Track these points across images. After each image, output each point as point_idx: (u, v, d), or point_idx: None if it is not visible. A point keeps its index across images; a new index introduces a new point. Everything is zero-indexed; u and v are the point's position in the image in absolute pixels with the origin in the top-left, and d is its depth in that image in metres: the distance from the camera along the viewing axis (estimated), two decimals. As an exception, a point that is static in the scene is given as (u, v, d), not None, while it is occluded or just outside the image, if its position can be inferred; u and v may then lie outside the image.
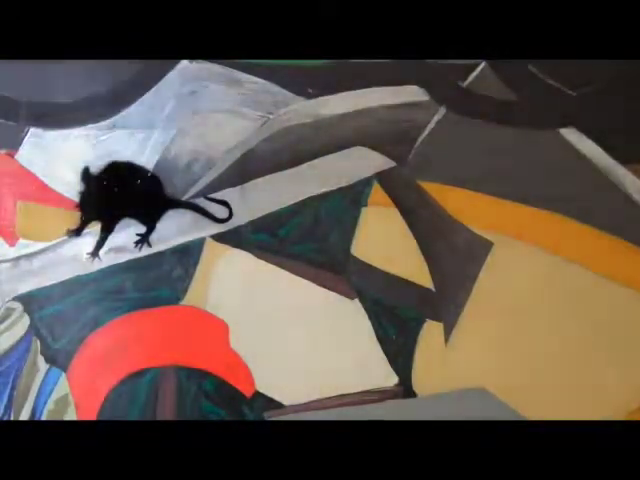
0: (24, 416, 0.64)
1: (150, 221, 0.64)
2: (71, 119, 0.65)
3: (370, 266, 0.59)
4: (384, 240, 0.59)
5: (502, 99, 0.54)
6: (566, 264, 0.54)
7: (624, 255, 0.53)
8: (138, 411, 0.63)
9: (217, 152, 0.62)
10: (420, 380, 0.59)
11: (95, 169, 0.65)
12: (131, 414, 0.63)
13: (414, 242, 0.58)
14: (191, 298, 0.65)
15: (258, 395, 0.63)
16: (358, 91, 0.58)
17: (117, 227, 0.65)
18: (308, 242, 0.61)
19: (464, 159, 0.56)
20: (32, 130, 0.66)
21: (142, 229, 0.64)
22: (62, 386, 0.64)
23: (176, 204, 0.63)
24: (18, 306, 0.69)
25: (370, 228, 0.59)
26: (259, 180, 0.61)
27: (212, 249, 0.63)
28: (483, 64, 0.54)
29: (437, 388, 0.59)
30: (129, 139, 0.64)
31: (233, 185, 0.62)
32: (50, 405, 0.63)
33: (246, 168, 0.61)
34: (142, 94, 0.63)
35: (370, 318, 0.60)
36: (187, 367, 0.65)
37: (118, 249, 0.64)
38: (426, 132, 0.57)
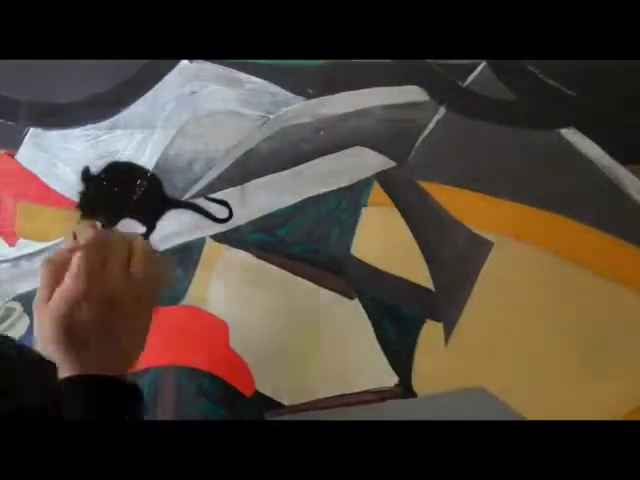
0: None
1: (150, 221, 0.64)
2: (71, 119, 0.65)
3: (370, 266, 0.59)
4: (384, 240, 0.59)
5: (502, 99, 0.54)
6: (566, 264, 0.54)
7: (624, 255, 0.53)
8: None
9: (217, 152, 0.62)
10: (420, 380, 0.59)
11: (95, 169, 0.65)
12: (131, 414, 0.62)
13: (414, 242, 0.58)
14: (191, 298, 0.65)
15: (258, 395, 0.63)
16: (358, 91, 0.58)
17: (117, 227, 0.65)
18: (308, 242, 0.61)
19: (464, 159, 0.56)
20: (32, 130, 0.66)
21: (142, 229, 0.64)
22: (62, 386, 0.64)
23: (176, 204, 0.63)
24: (18, 306, 0.69)
25: (370, 228, 0.59)
26: (259, 180, 0.61)
27: (212, 249, 0.64)
28: (483, 64, 0.54)
29: (437, 388, 0.59)
30: (129, 139, 0.64)
31: (233, 185, 0.62)
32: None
33: (246, 168, 0.61)
34: (142, 94, 0.63)
35: (370, 318, 0.60)
36: (187, 367, 0.65)
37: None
38: (426, 132, 0.57)
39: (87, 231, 0.51)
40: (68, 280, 0.49)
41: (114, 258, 0.51)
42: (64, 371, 0.50)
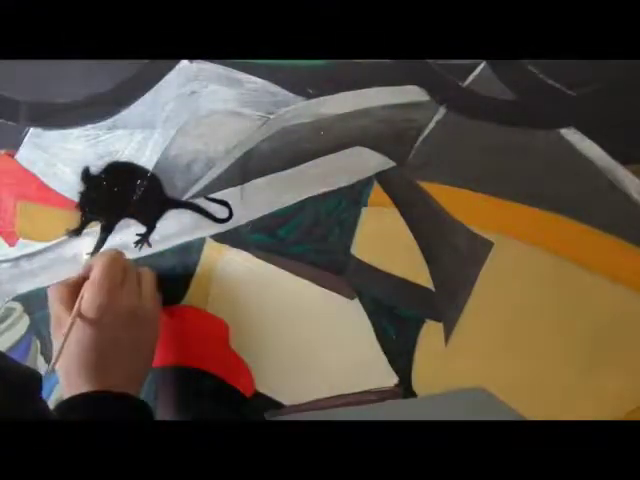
0: (24, 416, 0.64)
1: (150, 221, 0.64)
2: (71, 119, 0.65)
3: (370, 266, 0.59)
4: (384, 240, 0.59)
5: (502, 99, 0.54)
6: (566, 264, 0.54)
7: (624, 255, 0.53)
8: (138, 411, 0.63)
9: (217, 152, 0.62)
10: (420, 380, 0.59)
11: (95, 169, 0.65)
12: (131, 414, 0.62)
13: (414, 242, 0.58)
14: (191, 298, 0.65)
15: (258, 395, 0.63)
16: (358, 91, 0.58)
17: (117, 227, 0.65)
18: (308, 242, 0.61)
19: (464, 159, 0.56)
20: (32, 130, 0.66)
21: (142, 229, 0.65)
22: (62, 386, 0.64)
23: (176, 204, 0.63)
24: (18, 306, 0.69)
25: (370, 228, 0.59)
26: (259, 180, 0.61)
27: (212, 249, 0.64)
28: (483, 64, 0.54)
29: (437, 388, 0.59)
30: (129, 139, 0.64)
31: (233, 185, 0.62)
32: (50, 405, 0.63)
33: (246, 168, 0.61)
34: (142, 94, 0.63)
35: (370, 318, 0.60)
36: (187, 367, 0.65)
37: (118, 249, 0.64)
38: (426, 132, 0.57)
39: (105, 253, 0.55)
40: (89, 292, 0.52)
41: (131, 278, 0.54)
42: (78, 386, 0.51)
